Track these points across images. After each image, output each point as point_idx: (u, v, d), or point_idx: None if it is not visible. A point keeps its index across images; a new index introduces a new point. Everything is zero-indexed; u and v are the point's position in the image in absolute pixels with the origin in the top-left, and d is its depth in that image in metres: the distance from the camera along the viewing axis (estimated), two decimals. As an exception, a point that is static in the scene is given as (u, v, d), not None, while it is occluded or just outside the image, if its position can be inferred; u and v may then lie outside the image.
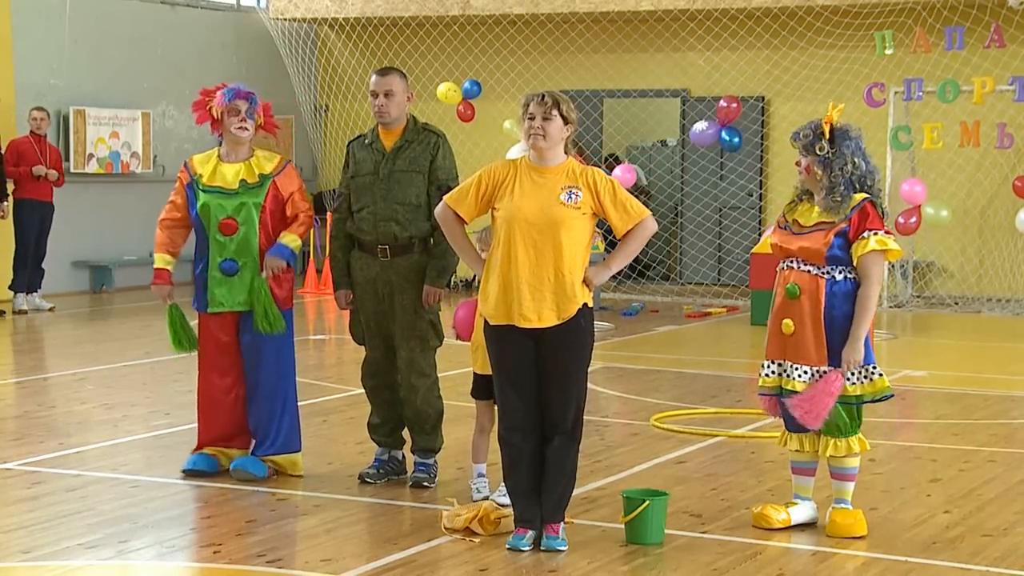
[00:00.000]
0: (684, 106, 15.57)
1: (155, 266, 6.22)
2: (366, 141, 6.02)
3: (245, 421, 6.16)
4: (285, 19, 16.25)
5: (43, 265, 12.55)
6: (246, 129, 6.09)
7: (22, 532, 5.26)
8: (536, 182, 5.04)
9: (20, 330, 11.63)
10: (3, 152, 12.11)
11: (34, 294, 12.53)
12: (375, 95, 5.92)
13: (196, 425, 6.24)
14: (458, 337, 5.95)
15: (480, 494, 5.72)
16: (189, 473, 6.10)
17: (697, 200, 15.42)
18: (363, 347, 6.14)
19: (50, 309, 12.53)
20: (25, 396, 8.51)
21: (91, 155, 14.16)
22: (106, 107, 14.33)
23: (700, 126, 13.18)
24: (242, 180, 6.06)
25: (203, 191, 6.07)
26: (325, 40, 16.91)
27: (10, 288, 12.42)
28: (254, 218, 6.03)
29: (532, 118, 5.02)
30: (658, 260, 15.78)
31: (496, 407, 5.67)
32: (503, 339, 5.05)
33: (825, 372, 5.22)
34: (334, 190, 14.66)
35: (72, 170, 13.73)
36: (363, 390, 6.23)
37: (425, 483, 5.95)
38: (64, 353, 10.58)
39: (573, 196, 5.00)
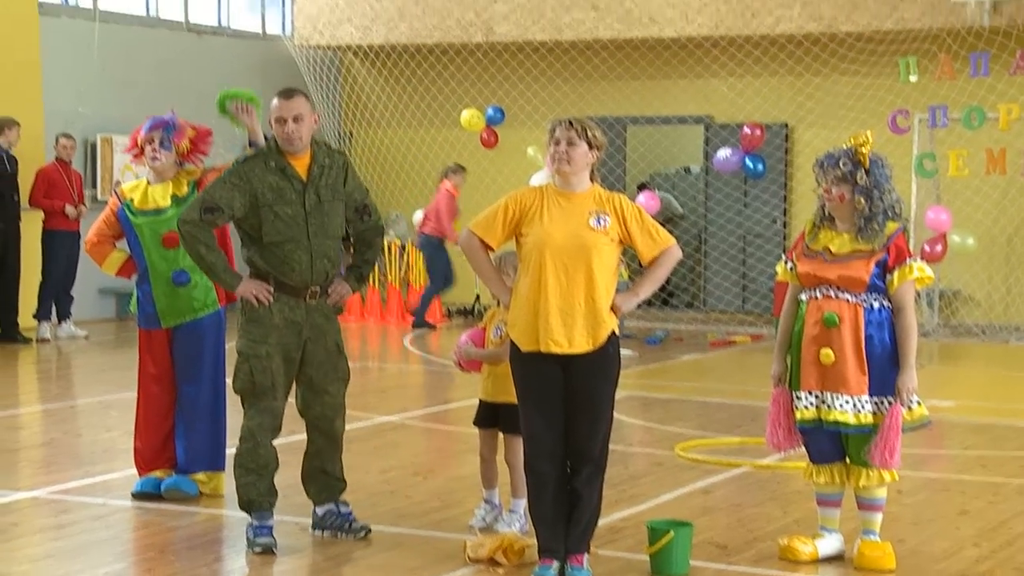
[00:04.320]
0: (707, 133, 15.56)
1: (117, 264, 6.30)
2: (271, 164, 5.39)
3: (174, 437, 6.26)
4: (310, 46, 16.34)
5: (71, 292, 12.61)
6: (157, 158, 6.24)
7: (50, 561, 5.27)
8: (564, 208, 5.03)
9: (46, 358, 11.67)
10: (33, 180, 12.24)
11: (66, 322, 12.58)
12: (282, 121, 5.35)
13: (137, 446, 6.31)
14: (459, 366, 5.84)
15: (478, 520, 5.73)
16: (139, 495, 6.18)
17: (721, 227, 15.38)
18: (253, 399, 5.43)
19: (85, 337, 12.57)
20: (52, 424, 8.53)
21: (118, 182, 14.23)
22: (132, 134, 14.41)
23: (723, 153, 13.17)
24: (173, 195, 6.23)
25: (136, 215, 6.23)
26: (349, 67, 16.99)
27: (35, 317, 12.47)
28: None
29: (557, 143, 5.02)
30: (682, 287, 15.74)
31: (501, 435, 5.71)
32: (531, 366, 5.03)
33: (875, 403, 5.18)
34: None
35: (99, 197, 13.79)
36: (255, 449, 5.46)
37: (370, 528, 5.64)
38: (90, 380, 10.60)
39: (601, 221, 5.00)
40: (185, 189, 6.28)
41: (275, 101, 5.42)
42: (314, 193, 5.44)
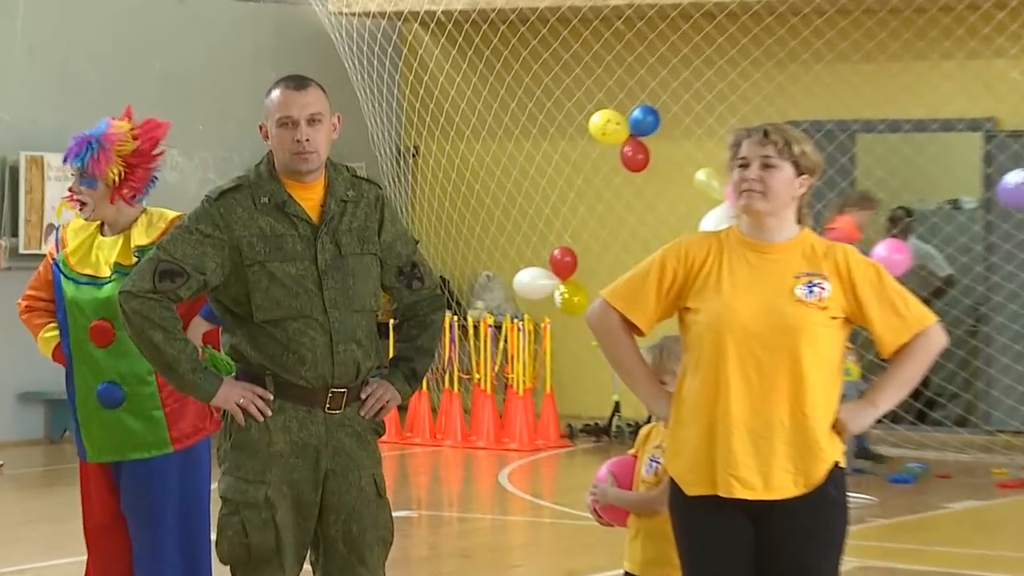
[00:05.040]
0: (988, 145, 15.46)
1: (52, 343, 6.27)
2: (260, 198, 5.41)
3: None
4: (353, 14, 16.53)
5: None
6: (84, 202, 6.14)
7: None
8: (755, 267, 5.05)
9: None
10: None
11: None
12: (290, 123, 5.37)
13: None
14: (598, 517, 5.86)
15: None
16: None
17: (1012, 296, 15.23)
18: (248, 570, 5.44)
19: None
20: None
21: (51, 226, 14.43)
22: (76, 153, 14.69)
23: (1016, 178, 13.07)
24: (116, 264, 6.08)
25: (68, 279, 6.15)
26: (415, 46, 17.18)
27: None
28: None
29: (745, 165, 5.05)
30: (950, 394, 15.58)
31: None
32: (703, 518, 5.03)
33: None
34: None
35: (22, 250, 14.04)
36: None
37: None
38: (6, 539, 10.73)
39: (816, 289, 5.01)
40: (133, 260, 6.01)
41: (276, 94, 5.44)
42: (331, 241, 5.42)
